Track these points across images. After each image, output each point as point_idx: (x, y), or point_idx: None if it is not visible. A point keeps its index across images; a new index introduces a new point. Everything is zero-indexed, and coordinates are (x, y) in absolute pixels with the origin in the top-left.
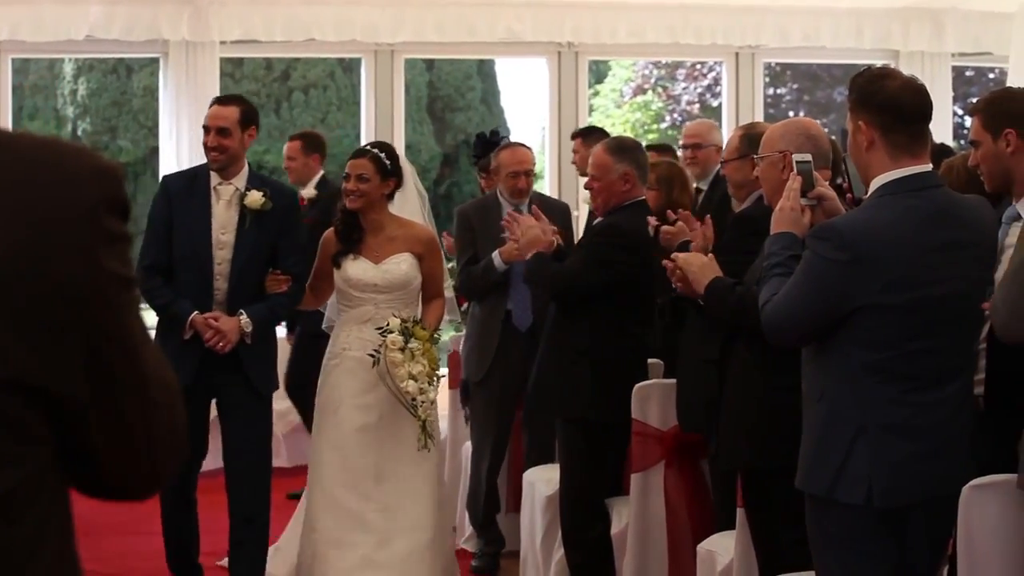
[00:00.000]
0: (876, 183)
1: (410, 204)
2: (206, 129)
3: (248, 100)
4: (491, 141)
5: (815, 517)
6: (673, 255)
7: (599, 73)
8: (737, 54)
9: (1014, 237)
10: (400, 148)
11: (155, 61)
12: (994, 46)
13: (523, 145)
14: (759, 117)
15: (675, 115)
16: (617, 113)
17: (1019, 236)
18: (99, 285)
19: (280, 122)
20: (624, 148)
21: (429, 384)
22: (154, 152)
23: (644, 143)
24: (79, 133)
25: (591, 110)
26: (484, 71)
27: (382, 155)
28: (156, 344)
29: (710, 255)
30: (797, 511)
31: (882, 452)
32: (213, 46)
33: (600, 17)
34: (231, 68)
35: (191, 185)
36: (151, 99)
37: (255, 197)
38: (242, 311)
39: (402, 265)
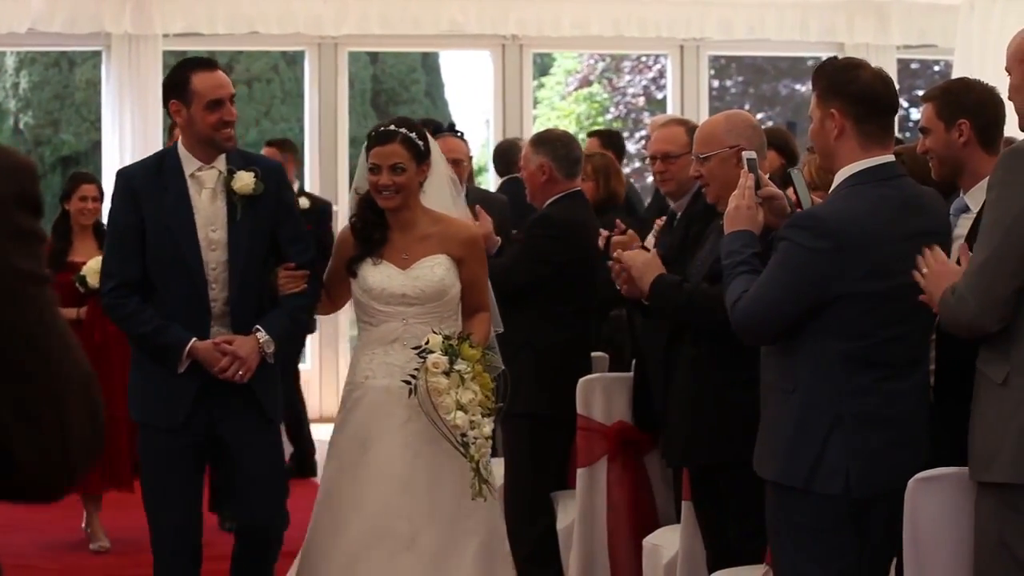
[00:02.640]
0: (846, 172)
1: (437, 192)
2: (217, 103)
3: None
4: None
5: (783, 508)
6: (617, 253)
7: (543, 65)
8: (682, 47)
9: (964, 228)
10: (344, 142)
11: (97, 54)
12: (939, 39)
13: (458, 135)
14: (704, 110)
15: (620, 107)
16: (562, 105)
17: (983, 228)
18: (6, 281)
19: None
20: (542, 141)
21: (483, 416)
22: (96, 146)
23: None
24: (21, 127)
25: (536, 102)
26: (428, 64)
27: (413, 135)
28: (71, 337)
29: (653, 251)
30: (745, 505)
31: (858, 441)
32: (156, 39)
33: (544, 9)
34: (173, 61)
35: (158, 175)
36: (94, 92)
37: (245, 180)
38: (259, 327)
39: (436, 270)
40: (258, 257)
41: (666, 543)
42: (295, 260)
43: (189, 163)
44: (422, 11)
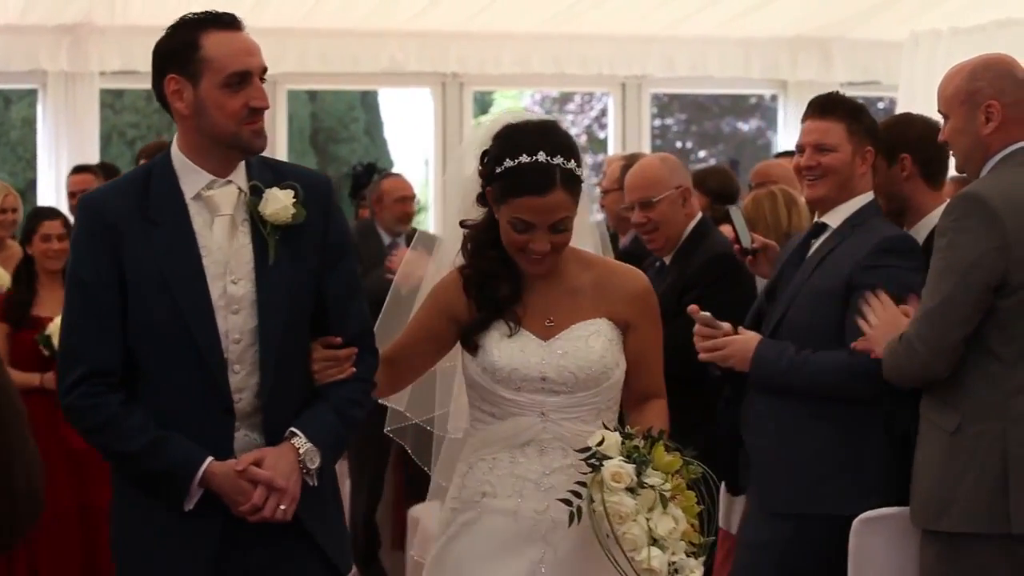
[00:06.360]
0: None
1: (578, 238)
2: (241, 78)
3: None
4: (370, 172)
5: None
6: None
7: (484, 104)
8: (623, 84)
9: None
10: None
11: (33, 92)
12: (883, 75)
13: (401, 175)
14: (646, 148)
15: None
16: None
17: (933, 273)
18: None
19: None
20: None
21: (689, 555)
22: (32, 185)
23: None
24: None
25: None
26: (367, 102)
27: (572, 165)
28: (4, 371)
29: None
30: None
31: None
32: (92, 77)
33: (485, 47)
34: (111, 99)
35: (143, 201)
36: (29, 130)
37: (281, 202)
38: (295, 430)
39: (594, 342)
40: (301, 320)
41: None
42: (341, 334)
43: (192, 178)
44: (361, 49)
